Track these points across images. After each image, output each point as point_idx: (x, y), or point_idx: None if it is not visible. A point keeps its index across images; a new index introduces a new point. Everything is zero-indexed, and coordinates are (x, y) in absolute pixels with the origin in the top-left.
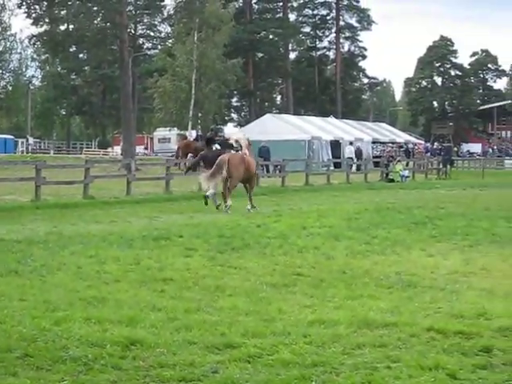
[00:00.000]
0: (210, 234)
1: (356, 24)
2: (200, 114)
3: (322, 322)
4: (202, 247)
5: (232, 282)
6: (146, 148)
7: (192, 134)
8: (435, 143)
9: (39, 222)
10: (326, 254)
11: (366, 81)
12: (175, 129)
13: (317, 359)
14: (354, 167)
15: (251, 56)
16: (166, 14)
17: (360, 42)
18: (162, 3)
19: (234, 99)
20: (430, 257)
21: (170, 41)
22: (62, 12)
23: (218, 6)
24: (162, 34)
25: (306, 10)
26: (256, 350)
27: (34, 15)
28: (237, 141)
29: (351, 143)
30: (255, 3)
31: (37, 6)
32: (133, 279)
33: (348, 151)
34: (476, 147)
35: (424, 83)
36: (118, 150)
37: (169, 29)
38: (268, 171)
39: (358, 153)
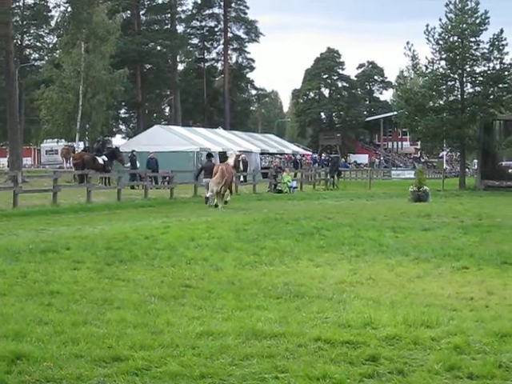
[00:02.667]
0: (97, 247)
1: (244, 36)
2: (87, 126)
3: (210, 334)
4: (90, 260)
5: (120, 295)
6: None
7: (80, 146)
8: (323, 154)
9: None
10: (215, 265)
11: (254, 92)
12: (63, 140)
13: (205, 371)
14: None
15: (139, 67)
16: (53, 24)
17: (248, 53)
18: (49, 14)
19: (122, 110)
20: (318, 267)
21: (58, 51)
22: None
23: (104, 16)
24: (50, 45)
25: (194, 21)
26: (144, 362)
27: None
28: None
29: (239, 155)
30: (143, 14)
31: None
32: (19, 293)
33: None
34: (363, 158)
35: (311, 95)
36: (4, 161)
37: (56, 39)
38: (156, 183)
39: (244, 164)
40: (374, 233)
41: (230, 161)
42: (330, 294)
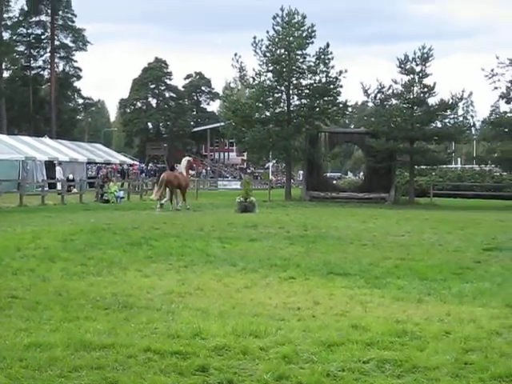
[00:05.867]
0: None
1: (71, 44)
2: None
3: (38, 345)
4: None
5: None
6: None
7: None
8: (150, 164)
9: None
10: (42, 275)
11: (81, 101)
12: None
13: (33, 383)
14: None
15: None
16: None
17: (75, 61)
18: None
19: None
20: (146, 277)
21: None
22: None
23: None
24: None
25: (21, 28)
26: None
27: None
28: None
29: (60, 163)
30: None
31: None
32: None
33: (58, 172)
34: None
35: (139, 104)
36: None
37: None
38: None
39: (68, 173)
40: (201, 243)
41: (182, 170)
42: (159, 305)
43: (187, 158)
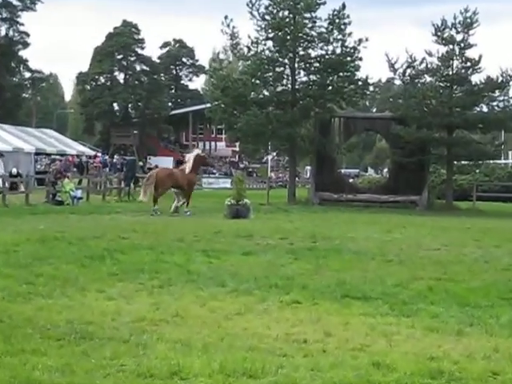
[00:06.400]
0: None
1: (16, 2)
2: None
3: None
4: None
5: None
6: None
7: None
8: (116, 156)
9: None
10: None
11: (27, 75)
12: None
13: None
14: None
15: None
16: None
17: (21, 25)
18: None
19: None
20: (110, 300)
21: None
22: None
23: None
24: None
25: None
26: None
27: None
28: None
29: (1, 155)
30: None
31: None
32: None
33: None
34: (167, 161)
35: (102, 80)
36: None
37: None
38: None
39: (12, 167)
40: (181, 257)
41: (184, 166)
42: (127, 335)
43: (197, 151)
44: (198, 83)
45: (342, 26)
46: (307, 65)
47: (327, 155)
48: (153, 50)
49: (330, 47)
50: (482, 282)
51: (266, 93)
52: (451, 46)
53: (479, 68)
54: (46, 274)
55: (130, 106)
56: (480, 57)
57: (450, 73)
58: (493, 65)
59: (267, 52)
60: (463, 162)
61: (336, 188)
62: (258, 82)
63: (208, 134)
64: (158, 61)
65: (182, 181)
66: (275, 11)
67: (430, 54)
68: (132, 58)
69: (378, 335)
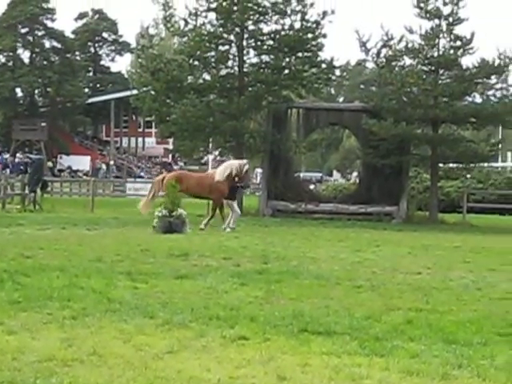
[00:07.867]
0: None
1: None
2: None
3: None
4: None
5: None
6: None
7: None
8: (18, 154)
9: None
10: None
11: None
12: None
13: None
14: None
15: None
16: None
17: None
18: None
19: None
20: (11, 335)
21: None
22: None
23: None
24: None
25: None
26: None
27: None
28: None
29: None
30: None
31: None
32: None
33: None
34: (82, 162)
35: (2, 59)
36: None
37: None
38: None
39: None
40: (99, 281)
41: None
42: (31, 379)
43: (241, 162)
44: (122, 64)
45: None
46: (258, 43)
47: (282, 155)
48: (66, 23)
49: (287, 21)
50: (473, 314)
51: (207, 77)
52: (437, 21)
53: (471, 48)
54: None
55: (36, 92)
56: (472, 34)
57: (436, 54)
58: (489, 44)
59: (208, 26)
60: (451, 165)
61: (293, 196)
62: (196, 63)
63: (134, 128)
64: (72, 36)
65: (200, 188)
66: None
67: (410, 31)
68: (40, 33)
69: (345, 380)
